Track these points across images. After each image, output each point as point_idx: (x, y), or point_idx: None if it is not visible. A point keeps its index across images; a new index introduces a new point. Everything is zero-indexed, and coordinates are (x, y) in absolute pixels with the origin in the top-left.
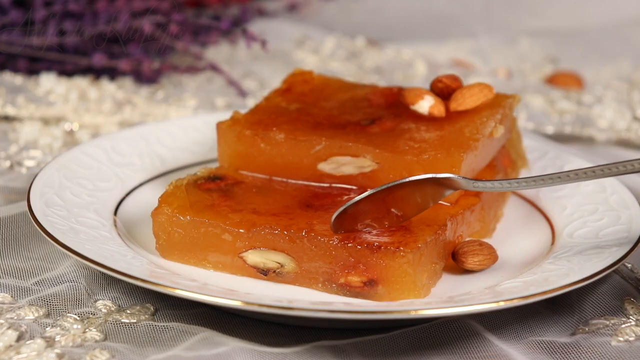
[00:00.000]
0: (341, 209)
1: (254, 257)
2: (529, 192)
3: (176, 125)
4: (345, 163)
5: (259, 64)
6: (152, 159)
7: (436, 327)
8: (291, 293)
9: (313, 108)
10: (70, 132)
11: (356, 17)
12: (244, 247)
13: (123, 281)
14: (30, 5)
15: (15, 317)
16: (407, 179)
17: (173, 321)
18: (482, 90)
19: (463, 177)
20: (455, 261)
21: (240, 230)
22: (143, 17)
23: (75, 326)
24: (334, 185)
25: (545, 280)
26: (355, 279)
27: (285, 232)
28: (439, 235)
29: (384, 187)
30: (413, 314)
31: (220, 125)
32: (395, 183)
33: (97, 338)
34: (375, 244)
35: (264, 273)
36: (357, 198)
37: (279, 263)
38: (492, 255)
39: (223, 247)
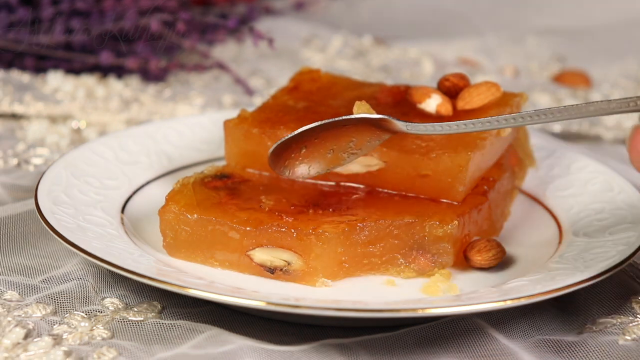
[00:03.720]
0: (277, 143)
1: (260, 255)
2: (536, 190)
3: (183, 124)
4: (352, 161)
5: (266, 62)
6: (159, 157)
7: (443, 325)
8: (298, 291)
9: (320, 106)
10: (78, 130)
11: (363, 16)
12: (251, 245)
13: (130, 279)
14: (37, 4)
15: (23, 315)
16: (341, 118)
17: (180, 319)
18: (489, 89)
19: (397, 119)
20: (469, 261)
21: (247, 228)
22: (150, 16)
23: (82, 324)
24: (341, 183)
25: (552, 279)
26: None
27: (293, 230)
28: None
29: (318, 123)
30: (420, 313)
31: (227, 124)
32: (329, 121)
33: (105, 336)
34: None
35: (271, 271)
36: (293, 133)
37: (286, 261)
38: (501, 249)
39: (230, 245)
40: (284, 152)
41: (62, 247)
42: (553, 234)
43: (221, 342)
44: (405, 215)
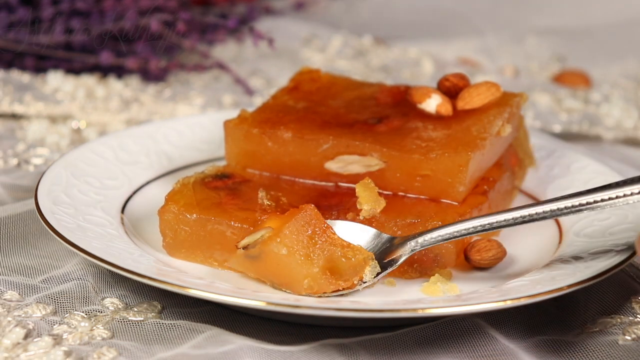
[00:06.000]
0: None
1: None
2: (536, 190)
3: (183, 124)
4: (353, 162)
5: (266, 62)
6: (159, 156)
7: (443, 325)
8: None
9: (320, 106)
10: (78, 130)
11: (363, 16)
12: None
13: (130, 279)
14: (37, 4)
15: (23, 315)
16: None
17: (180, 319)
18: (489, 89)
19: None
20: (469, 261)
21: (245, 226)
22: (150, 16)
23: (82, 324)
24: (341, 184)
25: (552, 280)
26: None
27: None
28: None
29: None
30: (420, 313)
31: (227, 124)
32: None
33: (105, 336)
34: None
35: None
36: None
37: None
38: (502, 249)
39: (228, 246)
40: None
41: (62, 247)
42: (553, 234)
43: (221, 342)
44: (407, 216)
